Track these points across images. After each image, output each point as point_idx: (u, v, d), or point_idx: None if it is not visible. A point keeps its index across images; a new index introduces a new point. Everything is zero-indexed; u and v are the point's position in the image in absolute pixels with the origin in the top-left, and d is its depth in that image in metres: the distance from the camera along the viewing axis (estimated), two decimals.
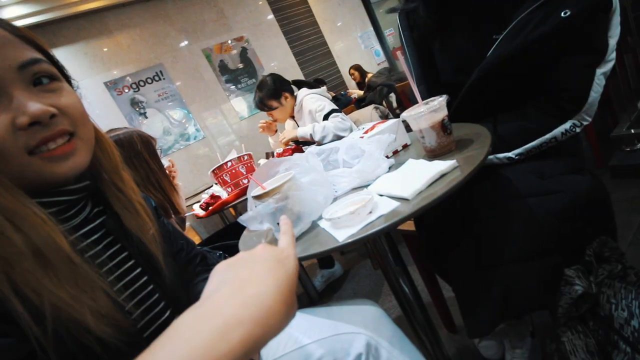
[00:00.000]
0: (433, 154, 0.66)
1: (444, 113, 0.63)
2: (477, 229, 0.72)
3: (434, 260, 0.93)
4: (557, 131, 0.73)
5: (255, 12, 4.07)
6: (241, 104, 3.89)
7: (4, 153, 0.38)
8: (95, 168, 0.52)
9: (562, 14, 0.65)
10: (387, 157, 0.77)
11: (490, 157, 0.78)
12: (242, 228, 1.69)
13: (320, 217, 0.62)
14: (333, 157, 0.89)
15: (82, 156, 0.45)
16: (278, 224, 0.58)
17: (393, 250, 0.77)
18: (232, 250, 1.24)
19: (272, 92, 1.76)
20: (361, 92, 3.95)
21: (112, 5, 3.17)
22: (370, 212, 0.53)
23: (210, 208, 1.36)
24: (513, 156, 0.76)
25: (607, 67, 0.70)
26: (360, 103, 3.51)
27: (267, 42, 4.10)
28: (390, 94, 3.45)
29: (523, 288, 0.66)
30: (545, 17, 0.66)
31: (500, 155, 0.77)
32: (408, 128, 0.80)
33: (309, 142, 1.73)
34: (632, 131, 1.55)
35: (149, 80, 3.37)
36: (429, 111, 0.62)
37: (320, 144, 1.64)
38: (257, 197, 0.60)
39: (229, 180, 1.38)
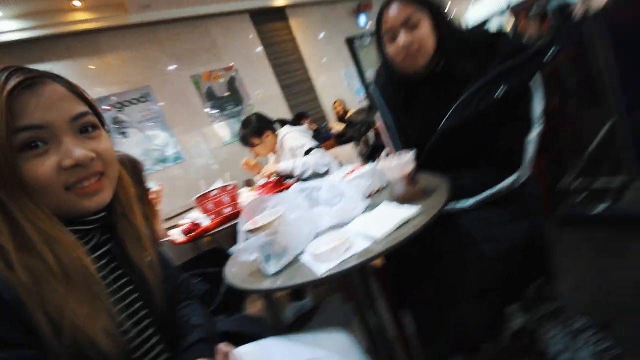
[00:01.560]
0: (402, 201, 0.77)
1: (411, 167, 0.75)
2: (436, 271, 0.82)
3: (399, 296, 1.02)
4: (503, 185, 0.87)
5: (246, 44, 4.28)
6: (225, 130, 3.98)
7: (48, 188, 0.45)
8: (112, 201, 0.59)
9: (500, 90, 0.83)
10: (368, 196, 0.87)
11: (449, 206, 0.91)
12: (217, 256, 1.71)
13: (304, 251, 0.70)
14: (315, 195, 0.98)
15: (108, 193, 0.52)
16: (268, 255, 0.66)
17: (364, 284, 0.86)
18: (210, 277, 1.28)
19: (256, 131, 1.88)
20: (341, 127, 4.16)
21: (108, 27, 3.26)
22: (347, 250, 0.62)
23: (190, 235, 1.39)
24: (468, 205, 0.89)
25: (537, 131, 0.88)
26: (340, 138, 3.69)
27: (255, 73, 4.29)
28: (369, 132, 3.66)
29: (474, 324, 0.76)
30: (488, 93, 0.84)
31: (458, 205, 0.90)
32: None
33: (289, 176, 1.82)
34: (576, 186, 1.76)
35: (134, 101, 3.41)
36: (399, 164, 0.74)
37: (300, 178, 1.74)
38: (250, 232, 0.68)
39: (212, 209, 1.43)
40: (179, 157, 3.61)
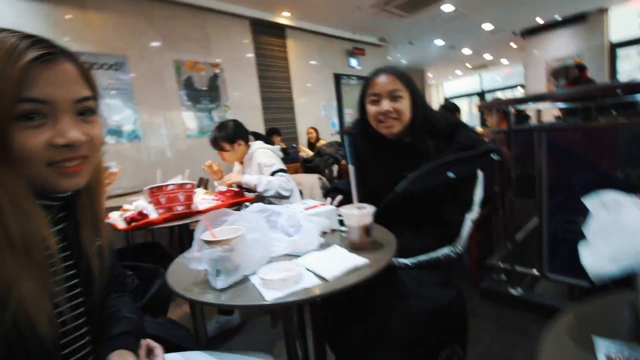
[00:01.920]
0: (353, 247, 0.83)
1: (369, 220, 0.82)
2: (369, 316, 0.89)
3: (329, 331, 1.06)
4: (440, 252, 1.00)
5: (238, 47, 4.29)
6: (193, 122, 3.86)
7: (32, 160, 0.45)
8: None
9: (449, 175, 0.98)
10: (322, 234, 0.92)
11: (394, 260, 0.99)
12: (152, 252, 1.62)
13: (253, 273, 0.72)
14: (274, 219, 1.02)
15: (85, 177, 0.52)
16: (219, 270, 0.67)
17: (298, 313, 0.89)
18: (144, 273, 1.21)
19: (229, 136, 1.89)
20: (310, 153, 4.25)
21: None
22: (296, 282, 0.66)
23: (133, 223, 1.33)
24: (409, 263, 0.99)
25: (474, 215, 1.05)
26: (306, 163, 3.77)
27: (240, 77, 4.29)
28: (334, 166, 3.79)
29: None
30: (439, 174, 0.99)
31: (400, 260, 0.98)
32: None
33: (250, 189, 1.83)
34: (500, 264, 1.98)
35: (105, 66, 3.22)
36: (360, 214, 0.81)
37: (260, 194, 1.76)
38: (207, 242, 0.69)
39: (163, 203, 1.38)
40: (136, 135, 3.42)
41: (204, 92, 3.95)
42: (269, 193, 1.73)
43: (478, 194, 1.06)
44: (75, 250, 0.56)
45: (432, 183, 0.99)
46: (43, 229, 0.46)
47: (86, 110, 0.50)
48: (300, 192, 2.06)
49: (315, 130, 4.85)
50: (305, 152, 4.47)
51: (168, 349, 0.77)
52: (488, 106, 2.47)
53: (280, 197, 1.77)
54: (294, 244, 0.82)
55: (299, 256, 0.82)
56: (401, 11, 4.92)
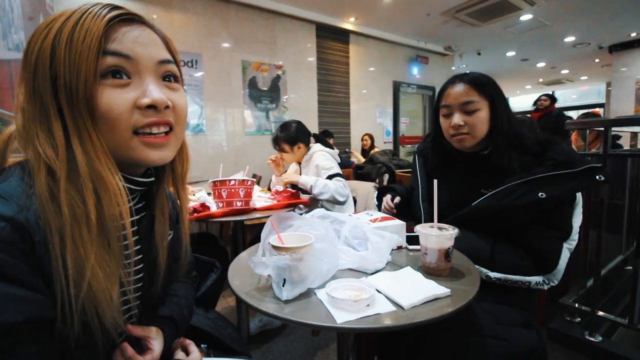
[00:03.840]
0: (428, 271, 0.75)
1: (451, 243, 0.73)
2: (428, 346, 0.79)
3: (380, 357, 0.98)
4: (533, 279, 0.87)
5: (301, 50, 4.36)
6: (251, 120, 3.99)
7: (118, 123, 0.43)
8: (164, 169, 0.57)
9: (539, 195, 0.84)
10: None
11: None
12: (208, 242, 1.66)
13: (319, 286, 0.67)
14: (336, 227, 0.96)
15: (170, 151, 0.50)
16: (284, 279, 0.63)
17: (357, 338, 0.82)
18: (201, 265, 1.23)
19: (290, 139, 1.89)
20: (362, 160, 4.17)
21: None
22: (369, 306, 0.60)
23: (195, 214, 1.36)
24: (491, 275, 0.88)
25: (572, 244, 0.90)
26: (357, 170, 3.70)
27: (300, 79, 4.35)
28: (385, 174, 3.66)
29: None
30: (526, 192, 0.86)
31: (483, 270, 0.88)
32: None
33: (304, 190, 1.80)
34: (576, 305, 1.73)
35: (182, 64, 3.42)
36: (441, 236, 0.72)
37: (315, 196, 1.72)
38: (275, 248, 0.65)
39: (224, 197, 1.40)
40: (200, 129, 3.61)
41: (265, 92, 4.06)
42: (324, 197, 1.69)
43: (577, 220, 0.90)
44: (144, 244, 0.55)
45: (517, 202, 0.86)
46: (124, 214, 0.44)
47: (169, 75, 0.50)
48: (354, 201, 1.99)
49: (371, 137, 4.74)
50: (357, 158, 4.39)
51: (216, 347, 0.76)
52: (582, 124, 2.19)
53: (334, 202, 1.72)
54: (362, 260, 0.76)
55: (365, 273, 0.76)
56: (473, 19, 4.65)
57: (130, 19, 0.46)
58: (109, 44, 0.43)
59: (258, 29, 3.93)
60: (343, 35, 4.78)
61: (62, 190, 0.40)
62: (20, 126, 0.43)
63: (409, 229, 0.96)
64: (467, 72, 1.01)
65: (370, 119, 5.25)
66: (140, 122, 0.45)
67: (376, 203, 1.30)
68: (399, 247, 0.96)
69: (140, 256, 0.55)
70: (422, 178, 1.15)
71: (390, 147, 5.33)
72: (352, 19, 4.65)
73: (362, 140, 4.79)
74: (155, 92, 0.46)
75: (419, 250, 0.79)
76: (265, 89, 4.06)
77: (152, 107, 0.46)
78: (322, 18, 4.41)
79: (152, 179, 0.54)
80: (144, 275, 0.57)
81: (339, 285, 0.65)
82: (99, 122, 0.43)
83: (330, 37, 4.63)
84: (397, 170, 3.33)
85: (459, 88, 0.98)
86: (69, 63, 0.41)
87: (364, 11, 4.39)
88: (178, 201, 0.61)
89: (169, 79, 0.50)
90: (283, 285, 0.64)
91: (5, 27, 1.49)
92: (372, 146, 4.64)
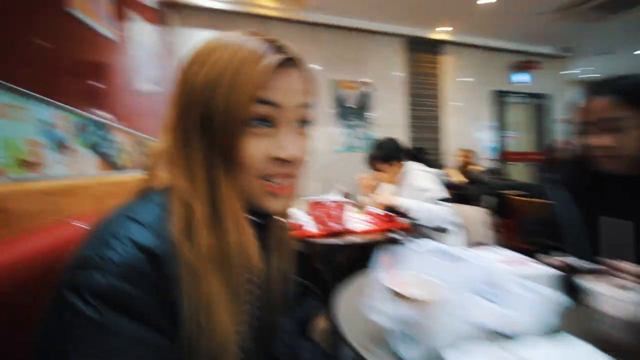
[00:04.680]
0: (607, 346, 0.54)
1: None
2: None
3: None
4: None
5: (389, 66, 4.26)
6: (340, 138, 4.00)
7: (251, 171, 0.43)
8: None
9: None
10: None
11: None
12: (302, 262, 1.64)
13: (450, 348, 0.54)
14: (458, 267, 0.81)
15: (290, 201, 0.49)
16: (405, 334, 0.52)
17: None
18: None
19: (386, 157, 1.79)
20: (462, 179, 3.77)
21: (279, 17, 3.61)
22: None
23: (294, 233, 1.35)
24: None
25: None
26: (455, 188, 3.33)
27: (388, 95, 4.24)
28: (492, 198, 3.22)
29: None
30: None
31: None
32: None
33: (400, 212, 1.65)
34: None
35: None
36: (628, 300, 0.52)
37: (413, 221, 1.55)
38: (398, 295, 0.54)
39: (322, 218, 1.37)
40: None
41: (352, 110, 4.05)
42: (427, 223, 1.52)
43: None
44: (260, 278, 0.51)
45: None
46: (252, 248, 0.43)
47: (305, 120, 0.47)
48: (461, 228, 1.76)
49: (469, 153, 4.27)
50: (455, 177, 3.98)
51: None
52: None
53: (439, 231, 1.53)
54: (504, 319, 0.60)
55: (508, 337, 0.59)
56: (597, 13, 3.92)
57: (289, 64, 0.44)
58: (265, 92, 0.42)
59: (345, 47, 3.99)
60: (434, 46, 4.53)
61: (204, 228, 0.40)
62: (165, 149, 0.44)
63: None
64: (611, 77, 0.83)
65: (465, 133, 4.79)
66: (268, 171, 0.44)
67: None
68: None
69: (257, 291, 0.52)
70: (569, 214, 0.95)
71: (488, 164, 4.76)
72: (444, 29, 4.38)
73: (459, 156, 4.34)
74: (291, 147, 0.44)
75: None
76: (353, 105, 4.05)
77: (284, 160, 0.44)
78: (411, 31, 4.26)
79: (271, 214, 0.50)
80: (261, 306, 0.53)
81: (478, 351, 0.51)
82: (237, 165, 0.43)
83: (421, 49, 4.42)
84: (506, 191, 2.88)
85: (603, 103, 0.81)
86: (226, 108, 0.41)
87: (460, 18, 4.09)
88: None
89: (304, 123, 0.48)
90: (403, 341, 0.53)
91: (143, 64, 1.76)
92: (470, 163, 4.17)
